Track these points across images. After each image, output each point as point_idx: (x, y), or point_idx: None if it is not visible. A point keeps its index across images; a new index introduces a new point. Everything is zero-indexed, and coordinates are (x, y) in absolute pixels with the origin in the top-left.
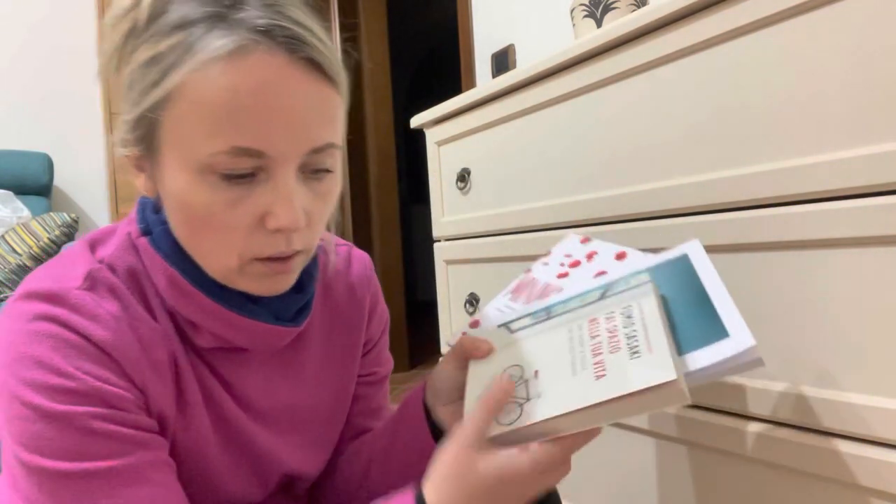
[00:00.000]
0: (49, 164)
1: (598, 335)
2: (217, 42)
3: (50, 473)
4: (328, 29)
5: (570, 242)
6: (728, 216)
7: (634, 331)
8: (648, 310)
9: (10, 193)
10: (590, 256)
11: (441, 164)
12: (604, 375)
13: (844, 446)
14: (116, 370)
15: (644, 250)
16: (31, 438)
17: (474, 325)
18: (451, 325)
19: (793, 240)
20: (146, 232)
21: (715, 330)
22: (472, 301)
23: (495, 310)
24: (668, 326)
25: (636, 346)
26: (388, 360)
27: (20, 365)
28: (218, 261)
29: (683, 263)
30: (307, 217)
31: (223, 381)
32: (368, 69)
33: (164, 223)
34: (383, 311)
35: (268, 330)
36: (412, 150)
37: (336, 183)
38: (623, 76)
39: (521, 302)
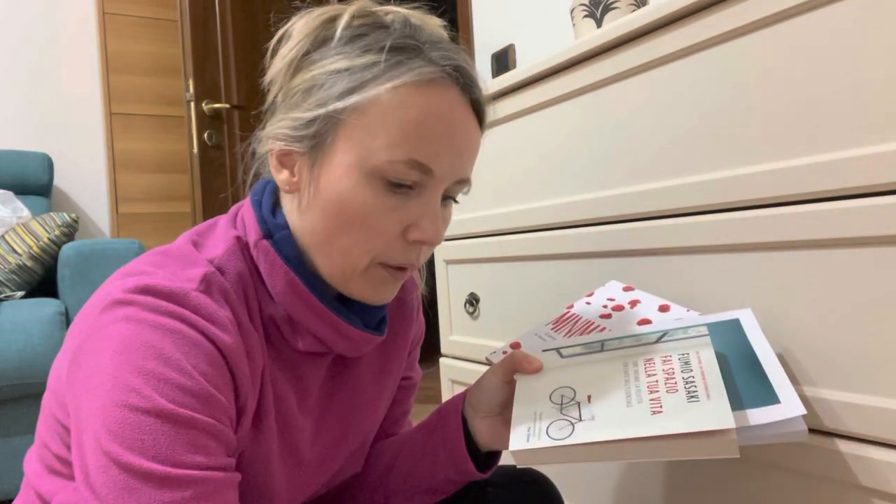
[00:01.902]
0: (49, 164)
1: (654, 374)
2: (416, 70)
3: (132, 469)
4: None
5: (613, 288)
6: (728, 216)
7: (692, 377)
8: (707, 359)
9: (10, 193)
10: (633, 304)
11: None
12: (661, 412)
13: (845, 446)
14: (228, 378)
15: (645, 251)
16: (126, 429)
17: (515, 346)
18: (450, 326)
19: (793, 240)
20: (267, 235)
21: (765, 394)
22: (473, 301)
23: (536, 336)
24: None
25: (694, 391)
26: (419, 369)
27: (138, 353)
28: (349, 259)
29: (734, 326)
30: None
31: (298, 385)
32: None
33: (285, 228)
34: (421, 319)
35: (362, 336)
36: None
37: (452, 212)
38: (623, 76)
39: (563, 334)
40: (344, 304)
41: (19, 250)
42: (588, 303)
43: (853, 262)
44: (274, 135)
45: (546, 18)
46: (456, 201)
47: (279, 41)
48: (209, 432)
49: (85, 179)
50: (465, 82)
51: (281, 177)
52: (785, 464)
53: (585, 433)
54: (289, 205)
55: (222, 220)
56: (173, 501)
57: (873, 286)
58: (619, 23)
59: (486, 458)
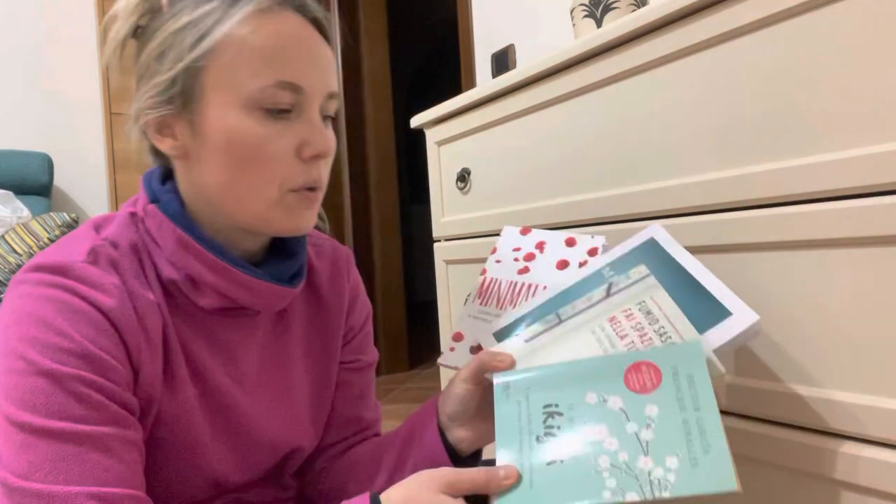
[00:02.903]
0: (49, 164)
1: (626, 334)
2: (251, 3)
3: (27, 427)
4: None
5: (511, 235)
6: (729, 216)
7: (662, 327)
8: (664, 302)
9: (10, 193)
10: (540, 246)
11: (441, 164)
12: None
13: (843, 446)
14: (116, 339)
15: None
16: (19, 391)
17: (458, 338)
18: (450, 326)
19: (793, 240)
20: (154, 200)
21: (715, 310)
22: None
23: (473, 318)
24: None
25: (671, 341)
26: (373, 351)
27: (24, 323)
28: (259, 195)
29: (654, 248)
30: None
31: (219, 348)
32: (368, 69)
33: (171, 191)
34: (364, 302)
35: (268, 288)
36: (412, 150)
37: (334, 134)
38: (623, 76)
39: (494, 305)
40: (250, 262)
41: (19, 250)
42: (498, 261)
43: (853, 262)
44: (142, 108)
45: (546, 18)
46: (333, 118)
47: (107, 27)
48: (98, 389)
49: (85, 179)
50: (299, 4)
51: (165, 146)
52: (785, 464)
53: None
54: (181, 171)
55: (125, 203)
56: (67, 454)
57: (873, 286)
58: (619, 23)
59: (471, 456)
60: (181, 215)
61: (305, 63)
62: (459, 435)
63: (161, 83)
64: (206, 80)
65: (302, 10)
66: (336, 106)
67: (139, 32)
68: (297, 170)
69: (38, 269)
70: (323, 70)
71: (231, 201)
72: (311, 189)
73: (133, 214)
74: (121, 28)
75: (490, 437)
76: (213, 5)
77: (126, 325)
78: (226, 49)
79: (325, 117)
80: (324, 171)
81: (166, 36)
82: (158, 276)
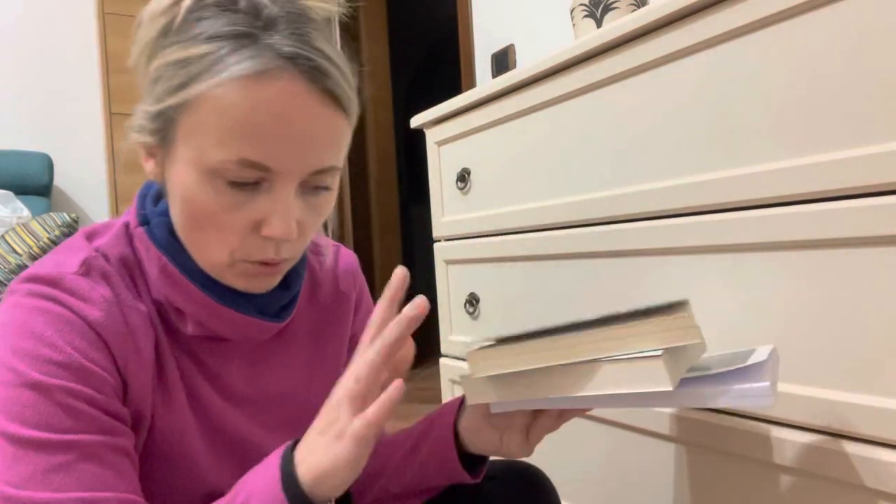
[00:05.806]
0: (49, 164)
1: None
2: (244, 62)
3: (17, 439)
4: (350, 58)
5: None
6: (728, 216)
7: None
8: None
9: (10, 193)
10: None
11: (441, 164)
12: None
13: (847, 447)
14: (104, 351)
15: (645, 252)
16: (8, 403)
17: None
18: (450, 326)
19: (793, 240)
20: (144, 222)
21: (753, 371)
22: (473, 301)
23: None
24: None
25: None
26: None
27: (14, 335)
28: (210, 255)
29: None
30: (299, 228)
31: (206, 369)
32: (368, 69)
33: (162, 214)
34: (368, 308)
35: (250, 323)
36: (412, 150)
37: (331, 199)
38: (623, 76)
39: None
40: (236, 291)
41: (19, 250)
42: None
43: (853, 262)
44: (132, 125)
45: (546, 18)
46: (328, 188)
47: (137, 26)
48: (86, 399)
49: (85, 179)
50: (309, 70)
51: (148, 167)
52: (787, 464)
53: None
54: (167, 196)
55: (125, 212)
56: (59, 464)
57: (873, 286)
58: (619, 23)
59: (478, 459)
60: (168, 243)
61: (280, 142)
62: (470, 438)
63: (147, 112)
64: (179, 130)
65: (311, 76)
66: (333, 178)
67: (156, 43)
68: (252, 244)
69: (30, 279)
70: (305, 149)
71: (190, 247)
72: (271, 263)
73: (127, 226)
74: (143, 37)
75: (501, 452)
76: (207, 49)
77: (113, 337)
78: (201, 109)
79: (315, 188)
80: (288, 249)
81: (162, 64)
82: (150, 296)
